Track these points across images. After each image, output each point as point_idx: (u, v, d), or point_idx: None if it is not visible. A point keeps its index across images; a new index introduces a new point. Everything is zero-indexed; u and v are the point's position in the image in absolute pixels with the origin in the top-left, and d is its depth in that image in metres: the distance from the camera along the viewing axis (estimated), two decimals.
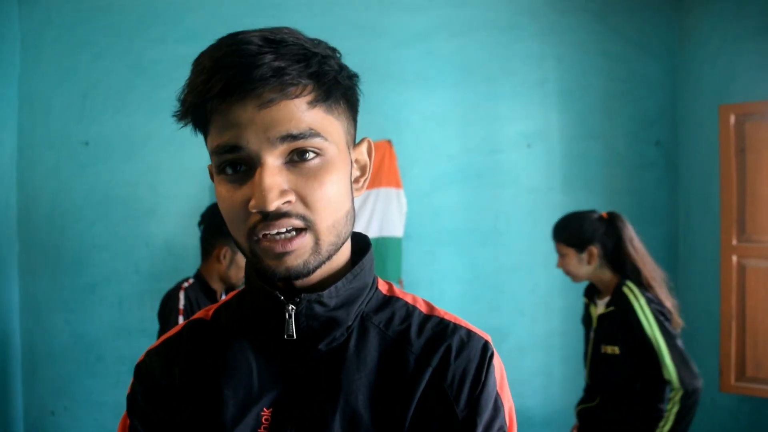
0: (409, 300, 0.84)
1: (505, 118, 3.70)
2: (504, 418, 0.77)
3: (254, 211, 0.67)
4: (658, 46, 3.83)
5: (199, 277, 2.51)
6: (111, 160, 3.45)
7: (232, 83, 0.65)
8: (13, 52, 3.37)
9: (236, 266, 2.50)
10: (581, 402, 2.41)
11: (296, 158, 0.69)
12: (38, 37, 3.40)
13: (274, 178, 0.67)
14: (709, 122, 3.40)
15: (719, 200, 3.23)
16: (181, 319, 2.36)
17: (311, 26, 3.38)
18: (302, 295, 0.74)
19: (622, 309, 2.16)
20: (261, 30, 0.70)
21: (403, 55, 3.58)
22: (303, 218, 0.69)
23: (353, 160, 0.79)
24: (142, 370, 0.84)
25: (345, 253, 0.80)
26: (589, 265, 2.28)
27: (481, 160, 3.68)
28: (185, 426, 0.77)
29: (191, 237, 3.47)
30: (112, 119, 3.45)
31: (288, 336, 0.75)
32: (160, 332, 2.39)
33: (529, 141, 3.71)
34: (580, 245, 2.27)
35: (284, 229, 0.68)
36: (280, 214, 0.68)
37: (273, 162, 0.68)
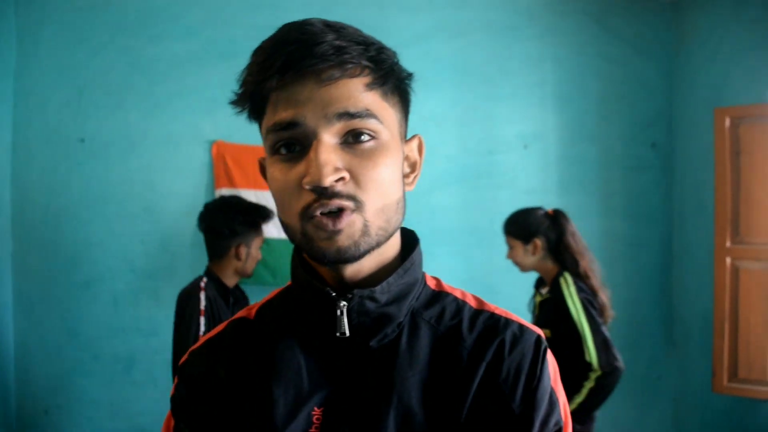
0: (458, 295, 0.84)
1: (503, 119, 3.71)
2: (560, 413, 0.76)
3: (308, 187, 0.67)
4: (655, 49, 3.86)
5: (212, 275, 2.49)
6: (107, 157, 3.43)
7: (294, 58, 0.67)
8: (9, 48, 3.34)
9: (252, 259, 2.51)
10: None
11: (351, 140, 0.70)
12: (35, 33, 3.37)
13: (330, 154, 0.67)
14: (705, 125, 3.43)
15: (714, 202, 3.25)
16: (202, 320, 2.33)
17: None
18: (355, 291, 0.73)
19: (556, 296, 2.37)
20: (321, 18, 0.72)
21: (401, 56, 3.48)
22: (353, 198, 0.69)
23: (404, 155, 0.79)
24: (186, 370, 0.83)
25: (394, 247, 0.80)
26: (533, 255, 2.50)
27: (478, 161, 3.69)
28: (234, 427, 0.76)
29: (187, 235, 3.46)
30: (109, 116, 3.42)
31: (341, 333, 0.73)
32: (182, 334, 2.33)
33: (526, 142, 3.73)
34: (525, 237, 2.49)
35: (335, 208, 0.68)
36: (332, 193, 0.67)
37: (329, 139, 0.68)
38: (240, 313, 0.87)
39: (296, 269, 0.80)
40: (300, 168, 0.69)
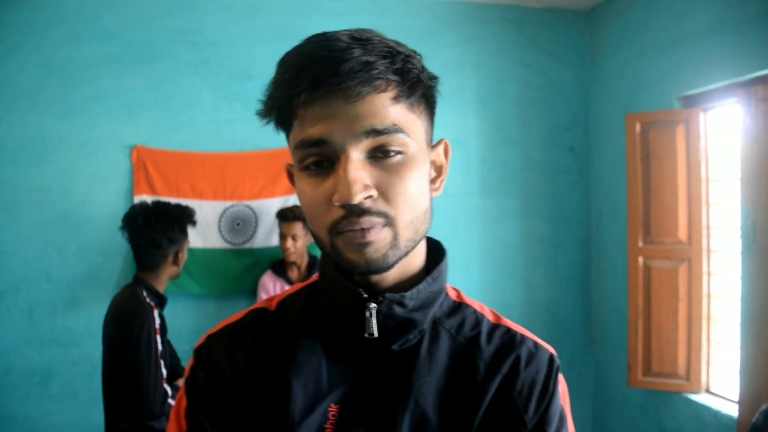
0: (477, 307, 0.86)
1: None
2: (568, 430, 0.78)
3: (338, 204, 0.68)
4: (572, 56, 3.99)
5: (146, 284, 2.40)
6: (20, 162, 3.31)
7: (321, 76, 0.66)
8: None
9: (183, 261, 2.50)
10: None
11: (379, 155, 0.70)
12: None
13: (358, 171, 0.68)
14: (618, 130, 3.57)
15: (627, 204, 3.38)
16: (158, 339, 2.25)
17: (231, 30, 3.33)
18: (387, 294, 0.75)
19: None
20: (346, 30, 0.72)
21: None
22: (384, 215, 0.70)
23: (431, 161, 0.81)
24: (203, 354, 0.83)
25: (420, 255, 0.82)
26: None
27: None
28: (250, 415, 0.77)
29: (106, 243, 3.38)
30: (21, 120, 3.30)
31: (369, 335, 0.75)
32: (140, 356, 2.19)
33: None
34: None
35: (365, 226, 0.69)
36: (362, 210, 0.68)
37: (357, 156, 0.69)
38: (260, 304, 0.88)
39: (329, 270, 0.80)
40: (328, 184, 0.70)
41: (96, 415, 3.24)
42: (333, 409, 0.74)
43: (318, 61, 0.67)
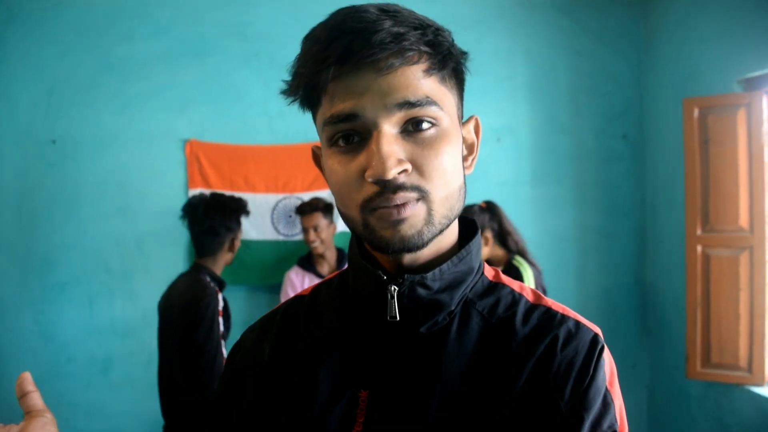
0: (515, 287, 0.82)
1: (475, 112, 3.64)
2: (615, 415, 0.71)
3: (371, 180, 0.66)
4: (624, 41, 3.90)
5: (207, 270, 2.52)
6: (79, 158, 3.41)
7: (352, 48, 0.64)
8: None
9: (236, 249, 2.63)
10: None
11: (411, 128, 0.68)
12: (2, 33, 3.34)
13: (392, 146, 0.66)
14: (674, 115, 3.47)
15: (684, 192, 3.30)
16: (221, 321, 2.36)
17: (280, 22, 3.37)
18: (406, 276, 0.73)
19: (513, 277, 2.56)
20: (373, 2, 0.69)
21: None
22: (418, 189, 0.67)
23: (462, 138, 0.77)
24: (235, 347, 0.86)
25: (453, 234, 0.78)
26: (486, 246, 2.77)
27: None
28: (276, 403, 0.76)
29: (162, 234, 3.45)
30: (80, 116, 3.40)
31: (391, 317, 0.73)
32: (203, 339, 2.29)
33: (499, 135, 3.76)
34: None
35: (399, 203, 0.67)
36: (396, 186, 0.66)
37: (390, 130, 0.67)
38: (300, 292, 0.88)
39: (353, 254, 0.79)
40: (361, 159, 0.67)
41: (153, 403, 3.33)
42: (363, 395, 0.73)
43: (347, 33, 0.65)
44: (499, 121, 3.75)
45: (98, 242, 3.44)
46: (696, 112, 3.21)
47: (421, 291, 0.73)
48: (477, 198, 3.71)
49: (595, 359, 0.72)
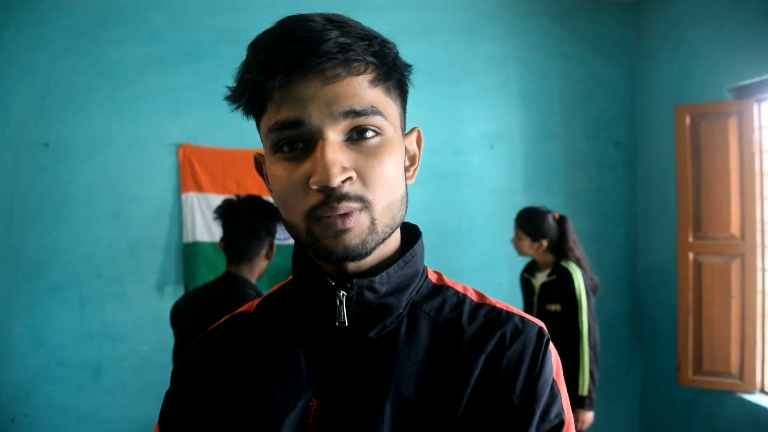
0: (459, 289, 0.83)
1: (468, 119, 3.75)
2: (561, 405, 0.74)
3: (315, 187, 0.66)
4: (617, 49, 3.92)
5: (244, 280, 2.29)
6: (71, 161, 3.40)
7: (299, 57, 0.65)
8: None
9: (270, 261, 2.41)
10: None
11: (356, 136, 0.69)
12: None
13: (336, 153, 0.66)
14: (666, 123, 3.49)
15: (676, 199, 3.31)
16: None
17: None
18: (354, 280, 0.73)
19: (563, 279, 2.83)
20: (317, 13, 0.70)
21: None
22: (361, 199, 0.68)
23: (405, 149, 0.79)
24: (177, 367, 0.83)
25: (395, 240, 0.79)
26: (536, 251, 2.91)
27: (444, 161, 3.71)
28: (229, 421, 0.75)
29: (154, 238, 3.45)
30: (73, 120, 3.39)
31: (339, 323, 0.73)
32: None
33: (492, 142, 3.76)
34: (535, 237, 2.88)
35: (343, 212, 0.67)
36: (340, 196, 0.66)
37: (335, 138, 0.67)
38: (242, 308, 0.87)
39: (297, 261, 0.79)
40: (305, 167, 0.67)
41: (145, 407, 3.33)
42: (314, 403, 0.72)
43: (295, 41, 0.65)
44: (492, 128, 3.76)
45: (90, 246, 3.43)
46: (688, 120, 3.22)
47: (369, 295, 0.73)
48: (470, 204, 3.73)
49: (542, 353, 0.75)
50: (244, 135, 3.50)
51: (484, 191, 3.72)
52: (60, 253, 3.41)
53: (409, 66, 0.77)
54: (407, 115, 0.80)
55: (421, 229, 0.86)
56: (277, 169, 0.70)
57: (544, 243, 2.86)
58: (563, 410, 0.74)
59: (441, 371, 0.73)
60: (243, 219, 2.27)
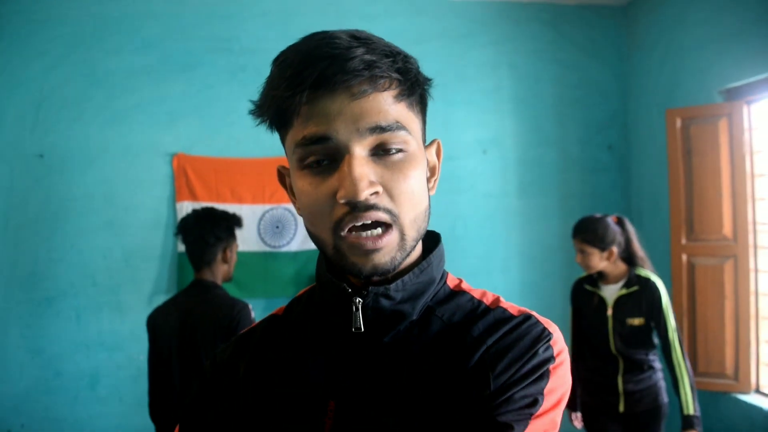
0: (476, 294, 0.84)
1: (461, 124, 3.76)
2: (543, 390, 0.73)
3: (342, 201, 0.67)
4: (608, 53, 3.95)
5: (211, 284, 2.45)
6: (66, 172, 3.41)
7: (326, 74, 0.66)
8: None
9: (233, 262, 2.55)
10: (612, 373, 2.71)
11: (381, 152, 0.70)
12: None
13: (363, 168, 0.67)
14: (658, 126, 3.51)
15: (668, 201, 3.33)
16: None
17: (267, 37, 3.39)
18: (370, 288, 0.74)
19: (647, 290, 2.64)
20: (343, 30, 0.72)
21: None
22: (389, 212, 0.70)
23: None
24: (210, 360, 0.88)
25: (417, 250, 0.81)
26: (608, 261, 2.67)
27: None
28: (250, 419, 0.78)
29: (149, 248, 3.45)
30: (67, 130, 3.41)
31: (356, 328, 0.75)
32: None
33: (485, 147, 3.78)
34: (603, 246, 2.66)
35: (370, 221, 0.69)
36: (368, 206, 0.68)
37: (361, 153, 0.69)
38: (275, 311, 0.91)
39: (320, 269, 0.81)
40: (332, 181, 0.69)
41: (141, 417, 3.31)
42: (331, 405, 0.74)
43: (322, 59, 0.67)
44: (485, 133, 3.78)
45: (85, 256, 3.43)
46: (679, 123, 3.25)
47: (385, 302, 0.75)
48: (464, 210, 3.74)
49: (536, 344, 0.74)
50: (238, 144, 3.52)
51: (478, 196, 3.74)
52: (55, 263, 3.41)
53: (430, 80, 0.79)
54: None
55: None
56: (303, 183, 0.72)
57: (615, 250, 2.66)
58: (542, 397, 0.72)
59: (449, 370, 0.74)
60: (191, 230, 2.46)
